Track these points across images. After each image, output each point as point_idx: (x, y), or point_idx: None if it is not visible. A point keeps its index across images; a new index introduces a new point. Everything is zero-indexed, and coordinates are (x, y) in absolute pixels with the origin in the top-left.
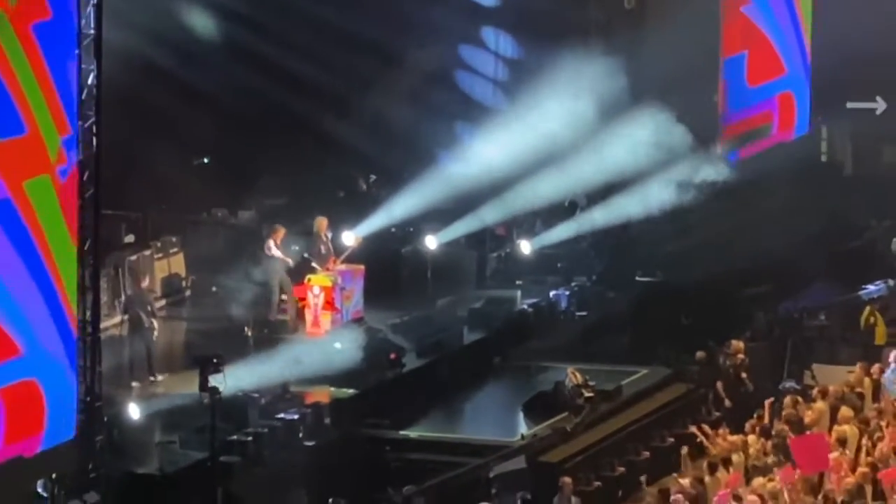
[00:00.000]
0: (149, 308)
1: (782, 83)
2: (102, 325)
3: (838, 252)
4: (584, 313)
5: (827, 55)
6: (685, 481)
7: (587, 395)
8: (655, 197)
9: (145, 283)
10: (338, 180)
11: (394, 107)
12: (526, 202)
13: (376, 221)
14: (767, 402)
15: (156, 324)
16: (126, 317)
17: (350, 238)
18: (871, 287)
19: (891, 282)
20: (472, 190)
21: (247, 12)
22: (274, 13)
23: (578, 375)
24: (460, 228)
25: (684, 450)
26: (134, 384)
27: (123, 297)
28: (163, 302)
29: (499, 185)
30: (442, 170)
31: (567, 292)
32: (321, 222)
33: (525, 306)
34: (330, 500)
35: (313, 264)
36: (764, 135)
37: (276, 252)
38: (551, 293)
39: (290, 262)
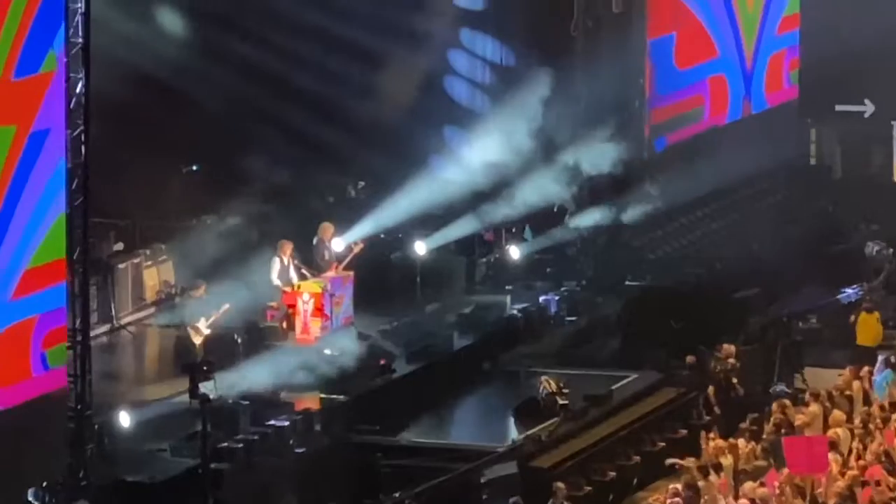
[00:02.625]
0: None
1: (714, 66)
2: (91, 332)
3: (827, 255)
4: (573, 318)
5: (815, 58)
6: (677, 486)
7: (562, 402)
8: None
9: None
10: (326, 186)
11: (382, 112)
12: (514, 207)
13: (365, 227)
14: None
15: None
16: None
17: (340, 244)
18: (848, 291)
19: (866, 285)
20: (461, 195)
21: (235, 19)
22: (262, 19)
23: (552, 382)
24: (449, 234)
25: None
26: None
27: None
28: (152, 309)
29: (486, 190)
30: (430, 175)
31: (556, 297)
32: (326, 229)
33: (515, 311)
34: None
35: (304, 272)
36: (695, 119)
37: (276, 280)
38: (541, 298)
39: (296, 278)
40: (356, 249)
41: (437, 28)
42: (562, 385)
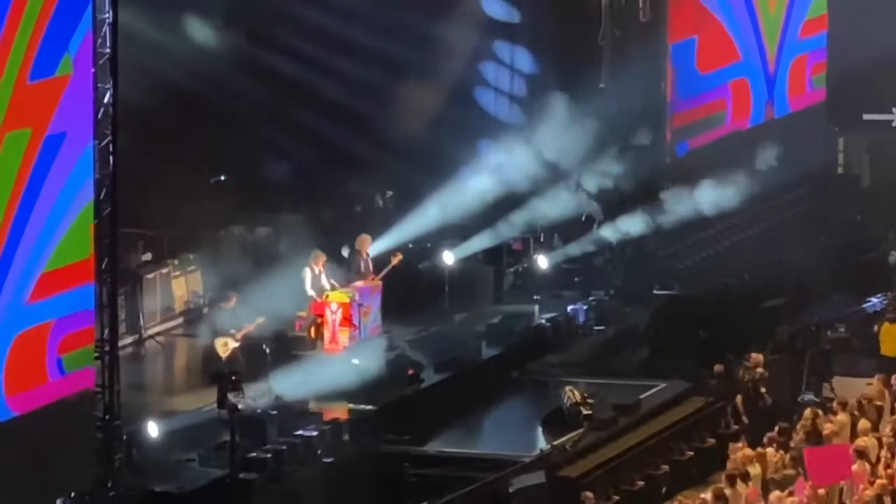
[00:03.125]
0: None
1: (736, 69)
2: (119, 343)
3: (855, 264)
4: (601, 327)
5: (843, 67)
6: (706, 495)
7: (586, 412)
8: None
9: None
10: (355, 196)
11: (411, 123)
12: (542, 216)
13: (393, 237)
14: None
15: None
16: None
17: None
18: (873, 300)
19: (890, 295)
20: (488, 205)
21: (266, 29)
22: (292, 30)
23: (576, 393)
24: (477, 244)
25: None
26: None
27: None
28: (181, 320)
29: (515, 200)
30: (458, 185)
31: (585, 307)
32: (364, 240)
33: (543, 321)
34: None
35: (332, 283)
36: (717, 124)
37: (310, 290)
38: (569, 308)
39: (328, 288)
40: (395, 261)
41: (467, 38)
42: (586, 395)
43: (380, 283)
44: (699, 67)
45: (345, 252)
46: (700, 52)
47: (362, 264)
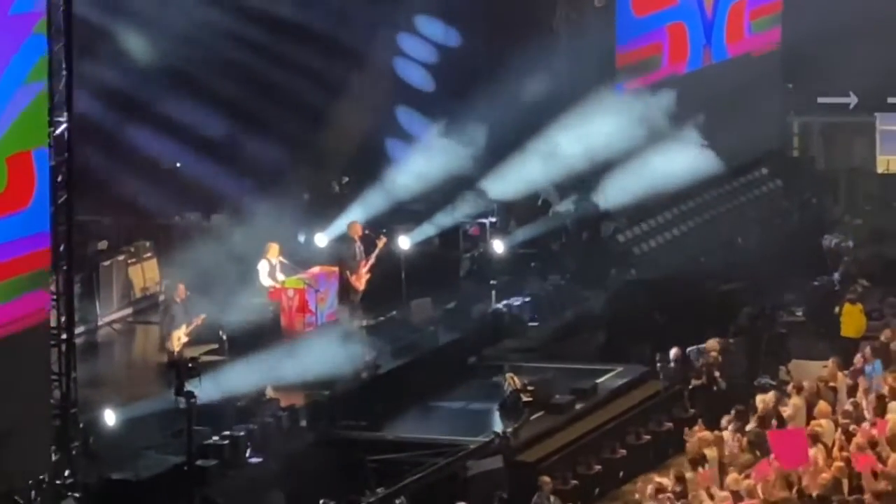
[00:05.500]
0: None
1: (672, 13)
2: (76, 331)
3: (811, 246)
4: (558, 312)
5: (798, 49)
6: (665, 480)
7: (526, 399)
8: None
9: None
10: (311, 182)
11: (360, 110)
12: (495, 196)
13: (345, 222)
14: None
15: None
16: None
17: (323, 240)
18: (816, 284)
19: (827, 278)
20: (442, 187)
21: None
22: (237, 18)
23: (517, 380)
24: (432, 227)
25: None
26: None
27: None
28: (137, 307)
29: (466, 182)
30: (409, 169)
31: (541, 291)
32: (355, 226)
33: (499, 306)
34: (321, 501)
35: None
36: (654, 67)
37: (268, 281)
38: (525, 292)
39: (283, 277)
40: (380, 244)
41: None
42: (526, 383)
43: (336, 269)
44: (635, 10)
45: (301, 238)
46: None
47: (356, 250)
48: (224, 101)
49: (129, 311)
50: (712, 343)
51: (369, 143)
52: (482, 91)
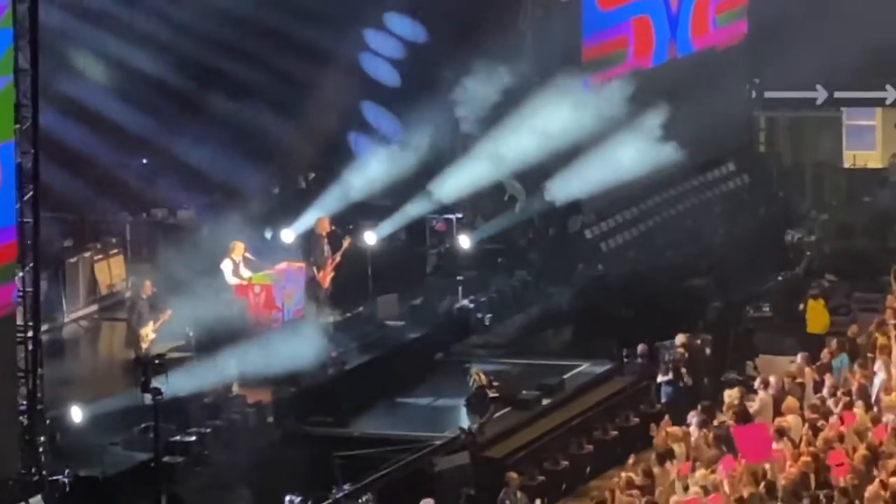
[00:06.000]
0: None
1: (637, 7)
2: (42, 327)
3: (778, 242)
4: (525, 307)
5: (764, 43)
6: (633, 474)
7: (492, 395)
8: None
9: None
10: (277, 179)
11: (326, 106)
12: (459, 190)
13: (312, 218)
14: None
15: None
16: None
17: (290, 235)
18: (780, 279)
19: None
20: (407, 182)
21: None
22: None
23: (483, 376)
24: (397, 221)
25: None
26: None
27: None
28: (104, 304)
29: (432, 176)
30: (374, 165)
31: (508, 287)
32: (323, 222)
33: (466, 301)
34: (287, 498)
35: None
36: (619, 61)
37: (232, 279)
38: (492, 288)
39: (249, 274)
40: (346, 244)
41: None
42: (492, 378)
43: (303, 265)
44: (600, 4)
45: (267, 234)
46: None
47: (325, 247)
48: (190, 99)
49: (95, 307)
50: (680, 338)
51: (335, 139)
52: (448, 87)
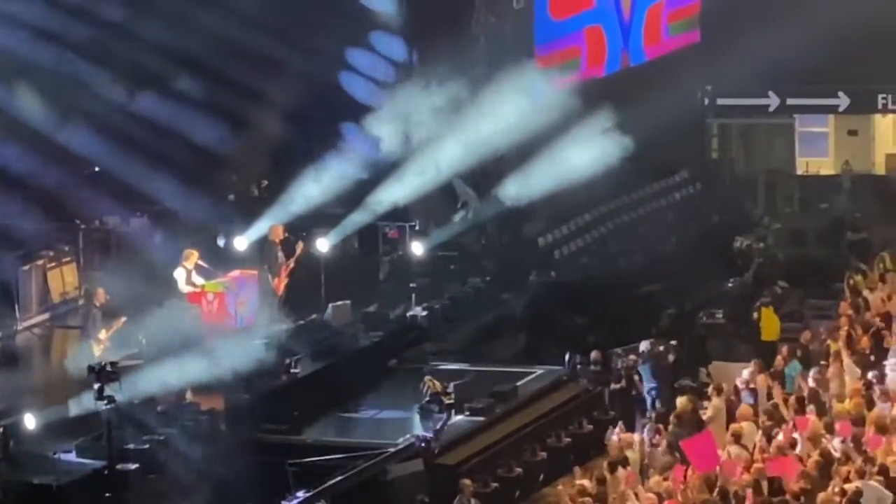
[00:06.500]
0: None
1: (590, 16)
2: None
3: (730, 250)
4: (478, 314)
5: (718, 51)
6: (586, 482)
7: (448, 401)
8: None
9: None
10: (230, 186)
11: (281, 113)
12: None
13: (266, 226)
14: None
15: None
16: None
17: (243, 243)
18: (729, 284)
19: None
20: (358, 190)
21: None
22: (159, 24)
23: (437, 383)
24: (349, 227)
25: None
26: None
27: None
28: (57, 311)
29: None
30: (327, 171)
31: (460, 294)
32: (276, 230)
33: (419, 308)
34: None
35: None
36: (572, 70)
37: (186, 287)
38: (445, 295)
39: (202, 281)
40: (299, 250)
41: (337, 26)
42: (445, 385)
43: (256, 272)
44: (553, 13)
45: (220, 242)
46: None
47: (279, 253)
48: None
49: (48, 315)
50: (645, 344)
51: (287, 146)
52: (399, 92)
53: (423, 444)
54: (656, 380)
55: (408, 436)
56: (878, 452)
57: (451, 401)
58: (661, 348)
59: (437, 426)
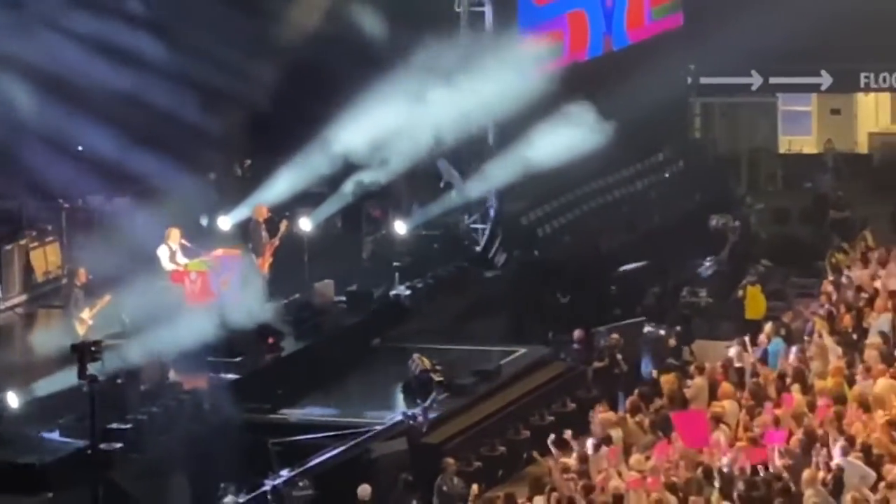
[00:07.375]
0: None
1: (572, 1)
2: None
3: (710, 229)
4: (462, 293)
5: (701, 30)
6: (570, 460)
7: (437, 378)
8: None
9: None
10: (213, 166)
11: (263, 89)
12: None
13: (250, 205)
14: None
15: None
16: None
17: (227, 223)
18: (706, 263)
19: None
20: (341, 169)
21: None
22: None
23: (426, 360)
24: (332, 206)
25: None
26: None
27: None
28: (40, 291)
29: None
30: (312, 151)
31: (444, 273)
32: (260, 209)
33: (403, 287)
34: (221, 485)
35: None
36: (555, 54)
37: (169, 265)
38: (428, 274)
39: (185, 261)
40: (283, 228)
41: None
42: (435, 362)
43: (239, 252)
44: None
45: (203, 221)
46: None
47: (263, 233)
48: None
49: (31, 294)
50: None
51: (272, 125)
52: (385, 76)
53: (411, 422)
54: (655, 363)
55: (396, 413)
56: (859, 429)
57: (441, 378)
58: (663, 332)
59: (427, 403)
